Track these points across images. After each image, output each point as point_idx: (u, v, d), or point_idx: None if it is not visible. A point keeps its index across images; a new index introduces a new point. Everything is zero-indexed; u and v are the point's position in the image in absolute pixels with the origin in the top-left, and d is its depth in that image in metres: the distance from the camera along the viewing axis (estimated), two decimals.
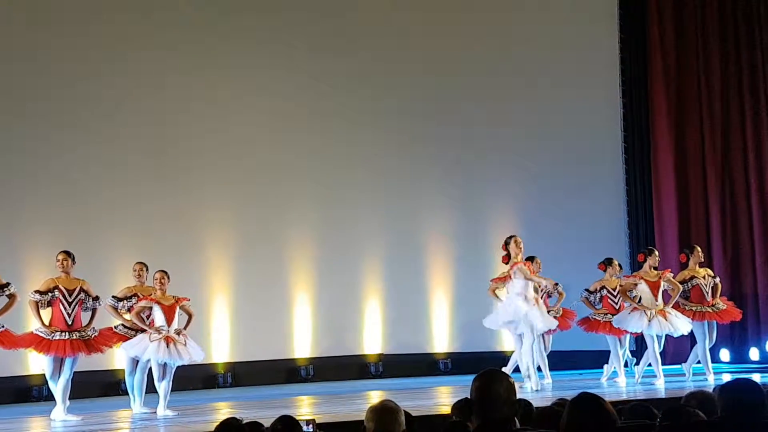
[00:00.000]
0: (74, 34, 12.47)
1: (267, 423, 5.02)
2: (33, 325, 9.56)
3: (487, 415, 3.83)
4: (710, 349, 11.69)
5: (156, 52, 12.92)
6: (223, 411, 10.05)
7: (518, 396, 3.97)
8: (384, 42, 14.11)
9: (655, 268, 11.46)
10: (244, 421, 4.89)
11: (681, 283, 11.59)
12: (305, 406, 10.39)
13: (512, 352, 11.86)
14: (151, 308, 9.70)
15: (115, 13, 12.74)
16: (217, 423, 5.08)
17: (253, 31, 13.49)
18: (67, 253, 9.62)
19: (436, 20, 14.33)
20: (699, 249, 11.99)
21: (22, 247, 11.75)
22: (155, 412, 9.56)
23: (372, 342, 13.74)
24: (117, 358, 11.36)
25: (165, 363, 9.54)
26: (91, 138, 12.45)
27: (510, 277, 10.63)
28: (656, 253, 11.67)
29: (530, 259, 11.72)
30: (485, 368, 4.03)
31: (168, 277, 9.83)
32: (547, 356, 11.70)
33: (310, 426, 5.08)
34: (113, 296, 10.09)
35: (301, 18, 13.73)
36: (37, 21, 12.33)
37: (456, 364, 13.73)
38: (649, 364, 11.39)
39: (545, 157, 14.45)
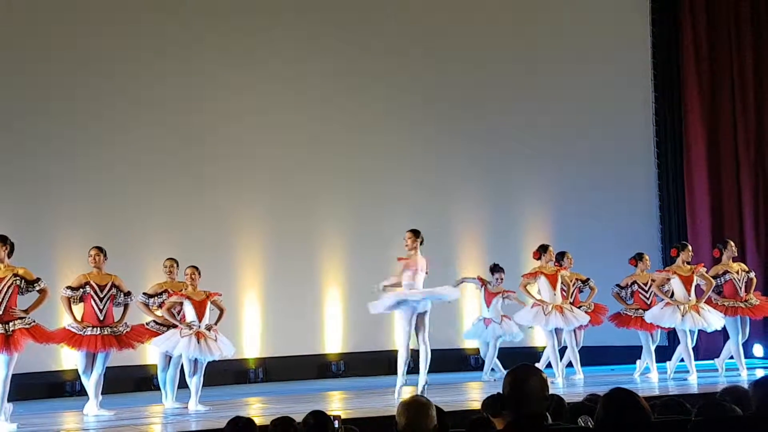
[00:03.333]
0: (102, 31, 12.53)
1: (298, 418, 5.03)
2: (65, 320, 9.62)
3: (520, 410, 3.81)
4: (743, 345, 11.60)
5: (188, 48, 12.97)
6: (255, 406, 10.09)
7: (549, 392, 3.95)
8: (414, 40, 14.07)
9: (688, 263, 11.37)
10: (273, 417, 4.91)
11: (714, 278, 11.50)
12: (336, 401, 10.41)
13: (544, 347, 11.82)
14: (182, 304, 9.73)
15: (146, 8, 12.80)
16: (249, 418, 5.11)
17: (286, 27, 13.50)
18: (99, 249, 9.66)
19: (467, 19, 14.29)
20: (732, 244, 11.90)
21: (54, 243, 11.82)
22: (187, 407, 9.60)
23: None
24: (149, 353, 11.42)
25: (196, 358, 9.57)
26: (122, 133, 12.51)
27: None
28: (689, 248, 11.58)
29: (561, 254, 11.69)
30: (517, 364, 4.01)
31: (199, 273, 9.86)
32: (579, 351, 11.65)
33: (336, 421, 5.10)
34: (144, 293, 10.13)
35: (334, 16, 13.74)
36: (64, 20, 12.40)
37: None
38: (682, 360, 11.31)
39: (577, 153, 14.38)
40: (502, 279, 12.20)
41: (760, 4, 14.53)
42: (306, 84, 13.57)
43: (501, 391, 4.00)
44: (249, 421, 5.18)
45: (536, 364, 11.28)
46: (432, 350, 13.67)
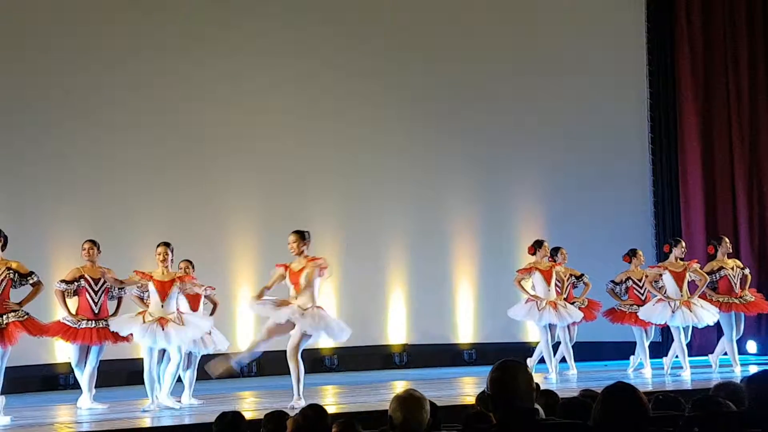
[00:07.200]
0: (98, 24, 12.51)
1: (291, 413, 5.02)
2: (59, 314, 9.60)
3: (505, 406, 3.78)
4: (737, 341, 11.62)
5: (181, 41, 12.93)
6: (248, 400, 10.09)
7: (543, 387, 3.94)
8: (411, 36, 14.03)
9: (682, 259, 11.38)
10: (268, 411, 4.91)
11: (709, 274, 11.51)
12: (330, 396, 10.41)
13: (537, 343, 11.83)
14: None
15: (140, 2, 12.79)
16: (242, 412, 5.11)
17: (280, 20, 13.48)
18: (93, 242, 9.65)
19: (463, 17, 14.26)
20: (727, 240, 11.91)
21: (47, 237, 11.79)
22: (180, 401, 9.59)
23: (396, 332, 13.72)
24: (143, 347, 11.38)
25: (190, 352, 9.56)
26: (116, 127, 12.48)
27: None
28: (682, 243, 11.59)
29: (556, 249, 11.69)
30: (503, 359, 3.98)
31: (193, 266, 9.84)
32: (572, 347, 11.66)
33: None
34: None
35: (329, 8, 13.71)
36: (61, 15, 12.37)
37: (481, 354, 13.66)
38: (676, 356, 11.33)
39: (571, 148, 14.37)
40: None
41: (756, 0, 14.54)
42: (302, 80, 13.53)
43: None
44: (236, 415, 5.19)
45: (528, 360, 11.34)
46: (426, 345, 13.77)
